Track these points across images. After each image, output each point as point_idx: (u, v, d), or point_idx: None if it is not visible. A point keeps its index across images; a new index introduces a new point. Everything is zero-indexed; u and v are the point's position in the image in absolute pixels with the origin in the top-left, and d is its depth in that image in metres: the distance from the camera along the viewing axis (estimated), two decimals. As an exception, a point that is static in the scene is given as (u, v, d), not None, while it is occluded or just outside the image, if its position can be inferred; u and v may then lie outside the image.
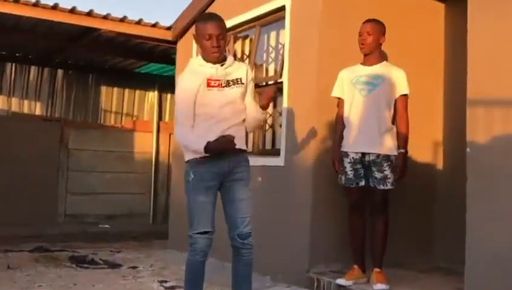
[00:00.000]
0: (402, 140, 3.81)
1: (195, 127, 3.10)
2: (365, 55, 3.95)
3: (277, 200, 4.64)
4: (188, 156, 3.16)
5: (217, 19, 3.11)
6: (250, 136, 5.13)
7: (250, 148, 4.85)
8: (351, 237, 3.97)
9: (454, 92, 4.65)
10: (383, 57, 4.03)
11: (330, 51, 4.39)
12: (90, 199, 8.71)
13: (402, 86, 3.86)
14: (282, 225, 4.53)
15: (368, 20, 3.93)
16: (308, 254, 4.27)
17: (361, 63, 3.98)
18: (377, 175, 3.81)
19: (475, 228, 3.11)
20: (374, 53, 3.92)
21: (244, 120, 3.21)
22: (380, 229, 3.84)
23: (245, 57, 5.57)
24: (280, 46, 5.03)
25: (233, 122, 3.11)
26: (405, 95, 3.87)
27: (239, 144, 3.11)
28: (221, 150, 3.01)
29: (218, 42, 3.05)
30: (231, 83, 3.13)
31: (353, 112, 3.90)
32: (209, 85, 3.08)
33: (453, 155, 4.68)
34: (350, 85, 3.93)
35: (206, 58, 3.12)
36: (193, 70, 3.16)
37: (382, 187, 3.81)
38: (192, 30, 6.12)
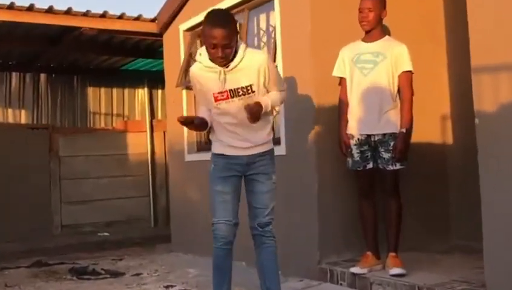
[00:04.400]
0: (404, 119, 3.79)
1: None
2: (366, 32, 3.92)
3: (281, 191, 4.60)
4: (212, 149, 3.33)
5: (224, 25, 2.91)
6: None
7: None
8: (363, 224, 3.99)
9: (459, 62, 4.61)
10: (385, 32, 3.99)
11: (325, 29, 4.37)
12: (86, 207, 8.75)
13: (404, 62, 3.82)
14: (289, 217, 4.52)
15: None
16: (318, 244, 4.29)
17: (362, 39, 3.95)
18: (385, 155, 3.81)
19: (490, 203, 3.09)
20: (376, 29, 3.90)
21: (266, 122, 3.24)
22: (393, 212, 3.85)
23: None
24: (271, 28, 5.01)
25: (244, 126, 3.15)
26: (408, 71, 3.83)
27: (259, 145, 3.22)
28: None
29: (223, 52, 2.95)
30: (240, 92, 3.07)
31: (354, 93, 3.90)
32: (216, 100, 3.12)
33: (463, 128, 4.68)
34: (351, 64, 3.92)
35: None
36: (199, 74, 3.16)
37: (391, 168, 3.81)
38: (178, 21, 6.20)
